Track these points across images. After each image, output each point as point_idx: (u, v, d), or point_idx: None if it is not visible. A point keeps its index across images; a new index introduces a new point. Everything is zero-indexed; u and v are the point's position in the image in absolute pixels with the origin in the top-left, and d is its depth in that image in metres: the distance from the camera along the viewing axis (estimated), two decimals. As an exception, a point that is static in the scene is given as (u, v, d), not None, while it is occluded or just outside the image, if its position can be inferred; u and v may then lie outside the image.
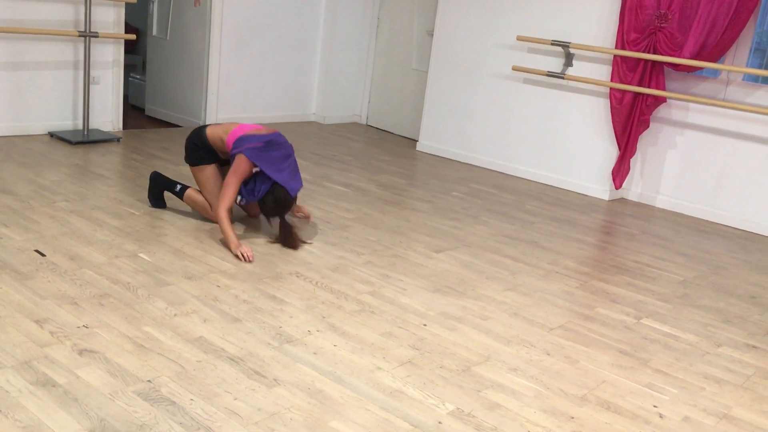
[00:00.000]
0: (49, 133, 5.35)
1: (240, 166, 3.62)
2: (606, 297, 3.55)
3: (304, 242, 3.80)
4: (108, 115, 5.72)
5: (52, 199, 4.03)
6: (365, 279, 3.43)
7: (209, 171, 3.85)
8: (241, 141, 3.65)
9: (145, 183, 4.53)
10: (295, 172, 3.75)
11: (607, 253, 4.27)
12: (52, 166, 4.63)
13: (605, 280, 3.78)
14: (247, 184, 3.69)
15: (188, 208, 4.14)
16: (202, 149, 3.83)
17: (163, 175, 4.07)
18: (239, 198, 3.72)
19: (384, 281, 3.43)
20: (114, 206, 4.04)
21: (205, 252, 3.54)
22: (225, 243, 3.63)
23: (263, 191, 3.65)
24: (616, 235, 4.67)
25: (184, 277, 3.22)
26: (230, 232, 3.57)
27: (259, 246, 3.71)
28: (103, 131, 5.58)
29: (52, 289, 2.93)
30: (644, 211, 5.25)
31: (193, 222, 3.95)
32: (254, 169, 3.71)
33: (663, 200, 5.33)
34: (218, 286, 3.15)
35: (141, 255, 3.40)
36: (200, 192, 3.93)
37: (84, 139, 5.25)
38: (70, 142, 5.19)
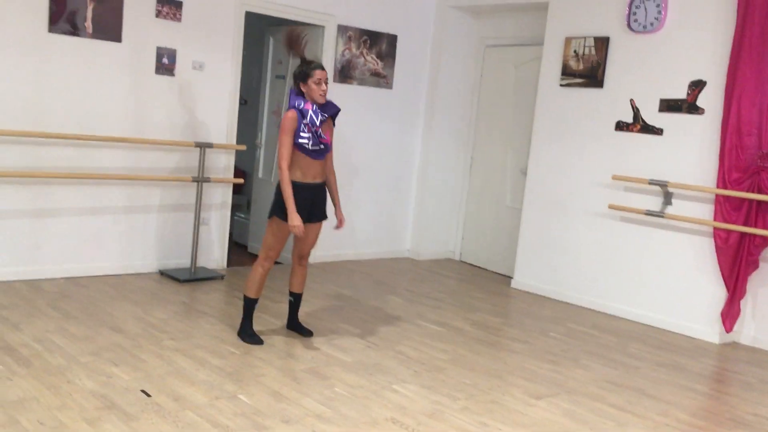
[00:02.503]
0: (159, 271, 5.66)
1: (284, 123, 4.05)
2: (724, 455, 3.29)
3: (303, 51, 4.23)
4: (214, 254, 6.01)
5: (160, 337, 4.20)
6: (462, 427, 3.33)
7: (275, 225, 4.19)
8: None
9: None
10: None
11: (723, 404, 3.98)
12: (160, 304, 4.86)
13: (722, 436, 3.51)
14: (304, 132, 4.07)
15: (286, 346, 4.21)
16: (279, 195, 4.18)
17: (244, 316, 4.35)
18: (308, 143, 4.07)
19: (482, 429, 3.32)
20: (216, 345, 4.16)
21: (301, 394, 3.55)
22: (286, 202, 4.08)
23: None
24: (730, 384, 4.37)
25: (282, 420, 3.22)
26: (290, 194, 4.02)
27: (355, 389, 3.69)
28: (208, 269, 5.85)
29: None
30: (759, 356, 4.92)
31: (290, 362, 4.00)
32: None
33: (780, 345, 4.99)
34: (314, 432, 3.13)
35: (240, 396, 3.45)
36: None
37: (191, 277, 5.51)
38: (178, 280, 5.45)
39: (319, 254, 6.63)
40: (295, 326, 4.51)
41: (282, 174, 4.03)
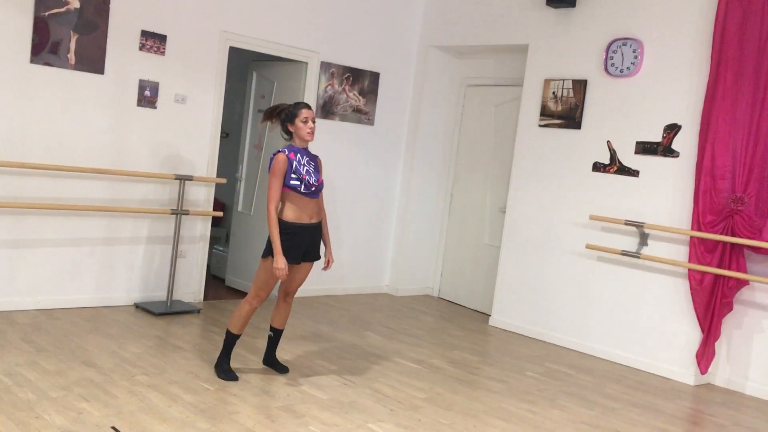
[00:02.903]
0: (135, 304, 5.60)
1: (274, 165, 4.03)
2: (698, 499, 3.28)
3: None
4: (191, 287, 5.96)
5: (132, 372, 4.13)
6: (438, 469, 3.30)
7: (268, 263, 4.10)
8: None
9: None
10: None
11: (697, 447, 3.99)
12: (134, 338, 4.79)
13: (696, 479, 3.51)
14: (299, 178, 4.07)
15: (261, 383, 4.17)
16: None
17: (224, 351, 4.28)
18: (300, 185, 4.06)
19: (457, 471, 3.29)
20: (190, 380, 4.10)
21: (275, 433, 3.51)
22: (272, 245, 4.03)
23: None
24: (705, 426, 4.39)
25: (254, 460, 3.17)
26: (277, 236, 3.98)
27: (330, 427, 3.65)
28: (185, 302, 5.79)
29: (124, 470, 2.93)
30: (733, 398, 4.95)
31: (265, 399, 3.95)
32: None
33: (753, 387, 5.02)
34: (287, 472, 3.08)
35: (213, 434, 3.40)
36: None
37: (167, 311, 5.46)
38: (153, 314, 5.39)
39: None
40: (272, 362, 4.47)
41: (269, 216, 4.01)
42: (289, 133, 4.20)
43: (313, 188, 4.13)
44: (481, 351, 5.54)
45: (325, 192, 6.65)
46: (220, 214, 5.93)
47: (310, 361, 4.74)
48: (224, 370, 4.22)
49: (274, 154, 4.09)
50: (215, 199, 6.22)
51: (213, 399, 3.86)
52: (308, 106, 4.17)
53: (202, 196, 5.90)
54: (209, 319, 5.52)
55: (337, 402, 4.03)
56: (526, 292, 6.16)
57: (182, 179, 5.53)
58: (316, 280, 6.69)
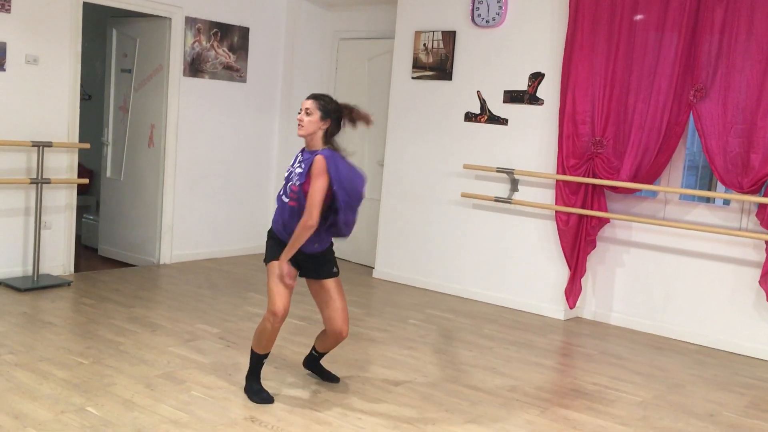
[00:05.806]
0: (-3, 281, 5.27)
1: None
2: (567, 424, 3.52)
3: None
4: (59, 259, 5.66)
5: (-3, 352, 3.91)
6: (323, 419, 3.36)
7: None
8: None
9: (95, 327, 4.44)
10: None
11: (566, 377, 4.26)
12: (-2, 316, 4.52)
13: (566, 406, 3.75)
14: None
15: (139, 352, 4.05)
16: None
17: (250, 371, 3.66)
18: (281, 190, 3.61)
19: (342, 420, 3.36)
20: (62, 356, 3.93)
21: (155, 401, 3.43)
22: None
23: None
24: (573, 357, 4.68)
25: (134, 430, 3.10)
26: (293, 250, 3.57)
27: (213, 390, 3.62)
28: (53, 276, 5.50)
29: (-10, 454, 2.79)
30: (599, 329, 5.30)
31: (143, 369, 3.85)
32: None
33: (617, 317, 5.40)
34: (169, 439, 3.04)
35: (88, 408, 3.28)
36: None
37: (33, 286, 5.17)
38: (18, 290, 5.09)
39: (177, 254, 6.42)
40: (318, 371, 3.95)
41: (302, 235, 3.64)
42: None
43: (284, 197, 3.60)
44: (365, 303, 5.62)
45: (202, 152, 6.46)
46: (85, 181, 5.64)
47: (191, 325, 4.65)
48: (255, 391, 3.59)
49: None
50: (80, 166, 5.90)
51: (88, 373, 3.72)
52: (308, 96, 3.56)
53: (65, 163, 5.57)
54: (81, 291, 5.27)
55: (221, 364, 3.99)
56: (406, 242, 6.29)
57: (40, 146, 5.19)
58: (193, 245, 6.55)
